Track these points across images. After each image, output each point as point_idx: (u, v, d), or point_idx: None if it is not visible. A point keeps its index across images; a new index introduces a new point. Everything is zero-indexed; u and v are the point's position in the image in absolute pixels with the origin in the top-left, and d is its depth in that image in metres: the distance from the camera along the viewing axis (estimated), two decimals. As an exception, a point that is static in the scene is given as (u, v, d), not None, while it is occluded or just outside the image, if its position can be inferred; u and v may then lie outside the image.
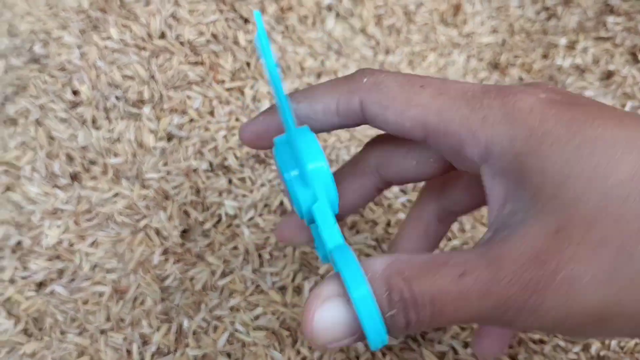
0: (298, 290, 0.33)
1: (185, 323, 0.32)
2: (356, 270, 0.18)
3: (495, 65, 0.46)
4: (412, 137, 0.21)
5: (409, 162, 0.23)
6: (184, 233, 0.36)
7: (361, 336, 0.18)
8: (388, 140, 0.24)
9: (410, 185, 0.38)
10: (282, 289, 0.33)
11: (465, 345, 0.32)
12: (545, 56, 0.46)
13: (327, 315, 0.18)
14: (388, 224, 0.36)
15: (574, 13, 0.47)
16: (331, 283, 0.19)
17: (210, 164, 0.36)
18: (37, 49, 0.39)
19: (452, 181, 0.26)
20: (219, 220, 0.35)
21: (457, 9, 0.48)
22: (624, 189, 0.17)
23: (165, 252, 0.35)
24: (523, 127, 0.18)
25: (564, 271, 0.17)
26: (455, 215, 0.27)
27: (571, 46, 0.46)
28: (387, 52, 0.45)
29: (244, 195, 0.35)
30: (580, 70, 0.44)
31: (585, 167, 0.17)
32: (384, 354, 0.32)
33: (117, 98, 0.37)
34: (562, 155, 0.17)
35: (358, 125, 0.22)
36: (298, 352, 0.31)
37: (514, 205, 0.18)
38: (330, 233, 0.20)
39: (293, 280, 0.33)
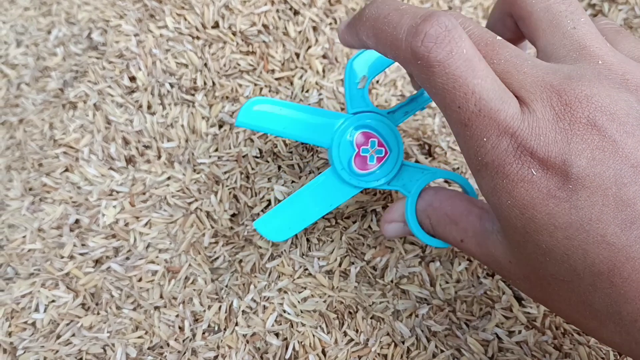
0: (345, 275, 0.34)
1: (235, 303, 0.33)
2: (413, 221, 0.30)
3: (539, 61, 0.47)
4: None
5: None
6: (233, 217, 0.37)
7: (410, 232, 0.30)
8: None
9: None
10: (330, 273, 0.34)
11: (510, 333, 0.32)
12: (590, 53, 0.46)
13: (391, 229, 0.31)
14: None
15: (621, 9, 0.47)
16: (391, 213, 0.31)
17: (260, 151, 0.37)
18: (96, 36, 0.40)
19: None
20: (268, 205, 0.36)
21: (501, 4, 0.48)
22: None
23: (215, 234, 0.36)
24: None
25: (506, 273, 0.25)
26: None
27: (617, 43, 0.45)
28: (432, 46, 0.46)
29: (292, 182, 0.36)
30: (627, 67, 0.44)
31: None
32: (428, 340, 0.32)
33: (171, 85, 0.38)
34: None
35: None
36: (345, 334, 0.32)
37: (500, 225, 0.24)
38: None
39: (340, 264, 0.34)
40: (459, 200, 0.28)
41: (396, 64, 0.34)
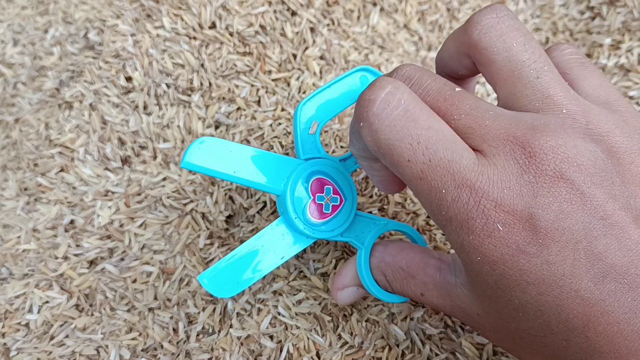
0: (340, 278, 0.34)
1: (230, 305, 0.33)
2: (367, 278, 0.29)
3: (537, 64, 0.46)
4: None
5: None
6: (229, 218, 0.36)
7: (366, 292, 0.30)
8: None
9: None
10: (324, 276, 0.34)
11: (505, 338, 0.32)
12: (589, 55, 0.46)
13: (345, 295, 0.30)
14: (429, 216, 0.36)
15: (620, 13, 0.47)
16: (342, 278, 0.30)
17: (256, 152, 0.37)
18: (92, 36, 0.40)
19: None
20: (264, 207, 0.36)
21: (500, 6, 0.48)
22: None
23: (210, 236, 0.36)
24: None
25: (474, 323, 0.25)
26: None
27: (616, 46, 0.45)
28: (430, 48, 0.45)
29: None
30: (625, 70, 0.44)
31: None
32: (423, 343, 0.32)
33: (167, 85, 0.38)
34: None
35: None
36: (339, 337, 0.32)
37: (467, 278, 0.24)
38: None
39: (335, 267, 0.34)
40: (412, 253, 0.27)
41: (349, 108, 0.33)
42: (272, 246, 0.28)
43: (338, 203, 0.29)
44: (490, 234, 0.20)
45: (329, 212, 0.29)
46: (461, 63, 0.25)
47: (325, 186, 0.29)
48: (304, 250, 0.35)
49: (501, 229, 0.20)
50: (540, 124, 0.21)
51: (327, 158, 0.29)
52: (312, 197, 0.28)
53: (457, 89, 0.23)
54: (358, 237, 0.29)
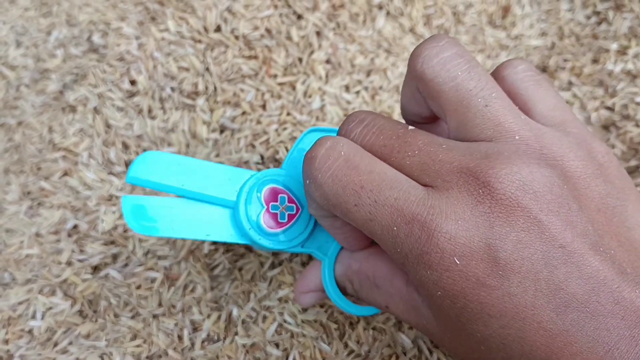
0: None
1: (235, 312, 0.33)
2: (331, 288, 0.28)
3: (543, 69, 0.46)
4: None
5: None
6: (234, 224, 0.36)
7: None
8: None
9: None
10: (331, 283, 0.34)
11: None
12: (595, 61, 0.45)
13: (308, 299, 0.30)
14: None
15: (626, 18, 0.47)
16: (305, 282, 0.29)
17: (262, 157, 0.37)
18: (96, 39, 0.40)
19: None
20: (269, 213, 0.36)
21: (506, 10, 0.48)
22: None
23: (214, 242, 0.35)
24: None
25: (439, 340, 0.24)
26: None
27: (622, 51, 0.45)
28: (435, 52, 0.45)
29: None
30: (632, 76, 0.44)
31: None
32: (430, 352, 0.32)
33: (172, 89, 0.38)
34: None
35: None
36: (346, 345, 0.32)
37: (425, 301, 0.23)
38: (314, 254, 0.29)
39: (341, 274, 0.34)
40: (380, 261, 0.26)
41: None
42: (211, 220, 0.27)
43: (294, 212, 0.28)
44: (447, 267, 0.19)
45: (284, 221, 0.28)
46: (418, 103, 0.24)
47: (280, 195, 0.28)
48: (310, 257, 0.34)
49: (458, 262, 0.19)
50: (494, 153, 0.20)
51: (282, 169, 0.29)
52: (265, 207, 0.27)
53: (411, 127, 0.23)
54: (321, 247, 0.28)
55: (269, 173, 0.28)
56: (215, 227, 0.27)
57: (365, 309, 0.28)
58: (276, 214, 0.27)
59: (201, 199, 0.27)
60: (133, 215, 0.25)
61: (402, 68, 0.43)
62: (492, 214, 0.19)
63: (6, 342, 0.32)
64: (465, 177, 0.20)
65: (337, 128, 0.26)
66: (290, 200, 0.28)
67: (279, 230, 0.27)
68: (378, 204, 0.21)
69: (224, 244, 0.35)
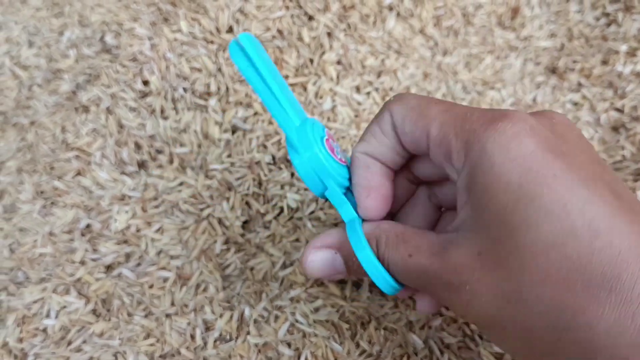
0: (357, 285, 0.34)
1: (247, 311, 0.33)
2: (361, 237, 0.25)
3: (553, 70, 0.46)
4: (420, 148, 0.25)
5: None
6: (245, 224, 0.36)
7: (345, 273, 0.28)
8: None
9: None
10: (342, 283, 0.34)
11: (524, 347, 0.32)
12: (605, 62, 0.45)
13: (317, 259, 0.27)
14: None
15: (636, 20, 0.47)
16: (324, 237, 0.27)
17: (273, 157, 0.37)
18: (109, 39, 0.40)
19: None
20: (280, 213, 0.36)
21: (515, 12, 0.48)
22: (546, 244, 0.20)
23: (226, 241, 0.36)
24: (498, 157, 0.21)
25: (469, 287, 0.22)
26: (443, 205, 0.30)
27: (632, 53, 0.45)
28: (445, 53, 0.45)
29: (305, 189, 0.36)
30: (642, 78, 0.44)
31: (529, 216, 0.20)
32: (442, 352, 0.32)
33: (184, 89, 0.38)
34: (513, 196, 0.21)
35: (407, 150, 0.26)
36: (358, 345, 0.32)
37: (467, 214, 0.23)
38: (344, 210, 0.27)
39: (353, 274, 0.34)
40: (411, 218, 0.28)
41: None
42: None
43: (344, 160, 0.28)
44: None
45: (339, 157, 0.27)
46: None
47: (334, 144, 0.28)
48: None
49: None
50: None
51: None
52: (327, 136, 0.27)
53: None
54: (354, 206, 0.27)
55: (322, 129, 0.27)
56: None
57: (387, 282, 0.26)
58: (333, 148, 0.27)
59: (279, 97, 0.25)
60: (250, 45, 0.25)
61: (412, 69, 0.43)
62: None
63: (20, 340, 0.32)
64: None
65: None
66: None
67: (335, 159, 0.27)
68: None
69: (236, 244, 0.35)
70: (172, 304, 0.34)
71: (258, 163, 0.37)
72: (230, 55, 0.25)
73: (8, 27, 0.45)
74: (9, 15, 0.46)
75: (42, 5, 0.46)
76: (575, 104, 0.44)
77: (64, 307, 0.33)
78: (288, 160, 0.37)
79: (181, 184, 0.37)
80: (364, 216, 0.26)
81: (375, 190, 0.26)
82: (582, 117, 0.43)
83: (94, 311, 0.33)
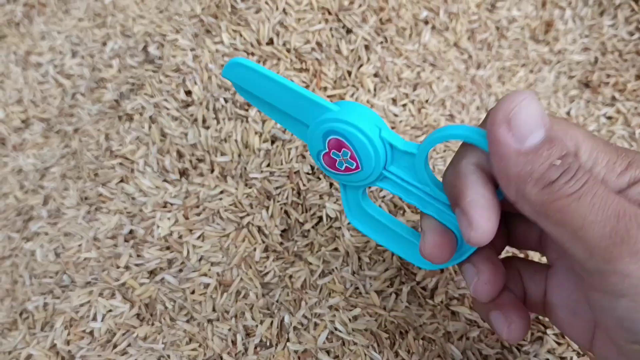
0: (396, 295, 0.34)
1: (287, 318, 0.34)
2: None
3: (586, 84, 0.46)
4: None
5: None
6: (284, 232, 0.37)
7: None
8: None
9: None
10: (381, 293, 0.34)
11: (562, 360, 0.32)
12: (639, 77, 0.46)
13: (525, 110, 0.21)
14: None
15: (669, 33, 0.47)
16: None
17: (312, 167, 0.38)
18: (152, 50, 0.41)
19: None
20: (319, 222, 0.37)
21: (549, 25, 0.48)
22: None
23: (266, 249, 0.36)
24: None
25: None
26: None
27: (667, 68, 0.45)
28: (479, 66, 0.46)
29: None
30: (678, 93, 0.44)
31: None
32: (480, 363, 0.32)
33: (225, 100, 0.39)
34: None
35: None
36: (397, 355, 0.32)
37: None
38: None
39: (391, 285, 0.34)
40: None
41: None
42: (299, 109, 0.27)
43: (353, 168, 0.27)
44: None
45: (341, 169, 0.27)
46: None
47: (344, 149, 0.26)
48: (360, 267, 0.35)
49: None
50: None
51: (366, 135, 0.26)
52: (327, 150, 0.27)
53: None
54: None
55: (346, 116, 0.25)
56: (294, 124, 0.28)
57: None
58: (335, 160, 0.27)
59: (282, 111, 0.28)
60: (231, 69, 0.28)
61: (447, 82, 0.43)
62: None
63: (67, 342, 0.33)
64: None
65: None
66: (353, 158, 0.26)
67: (334, 172, 0.28)
68: None
69: (275, 252, 0.36)
70: (214, 309, 0.34)
71: (297, 173, 0.38)
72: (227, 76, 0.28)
73: (51, 37, 0.47)
74: (52, 25, 0.48)
75: (84, 16, 0.47)
76: (610, 118, 0.44)
77: (110, 310, 0.34)
78: (327, 171, 0.38)
79: (222, 192, 0.37)
80: (476, 242, 0.23)
81: (493, 211, 0.23)
82: (616, 131, 0.43)
83: (137, 315, 0.34)
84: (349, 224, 0.36)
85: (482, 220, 0.22)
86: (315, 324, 0.33)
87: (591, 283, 0.21)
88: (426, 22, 0.44)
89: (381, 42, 0.42)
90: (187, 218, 0.37)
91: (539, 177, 0.21)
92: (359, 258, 0.35)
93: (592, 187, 0.20)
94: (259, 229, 0.37)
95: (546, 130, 0.21)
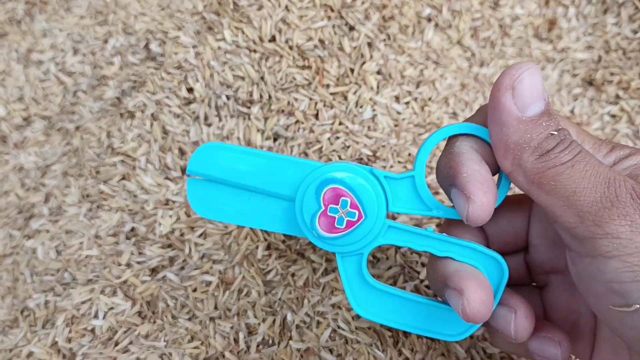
0: (399, 293, 0.34)
1: (289, 317, 0.33)
2: None
3: (590, 82, 0.46)
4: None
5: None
6: (286, 230, 0.37)
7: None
8: None
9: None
10: (384, 291, 0.34)
11: None
12: (643, 75, 0.45)
13: (529, 80, 0.22)
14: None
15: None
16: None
17: (315, 165, 0.37)
18: (154, 47, 0.41)
19: None
20: (322, 220, 0.36)
21: (552, 23, 0.48)
22: None
23: (268, 247, 0.36)
24: None
25: None
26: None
27: (671, 66, 0.45)
28: (482, 64, 0.46)
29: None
30: (682, 91, 0.44)
31: None
32: (484, 362, 0.32)
33: (227, 97, 0.39)
34: None
35: None
36: (400, 353, 0.32)
37: None
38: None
39: (395, 282, 0.34)
40: None
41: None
42: (270, 213, 0.27)
43: (355, 219, 0.25)
44: None
45: (342, 227, 0.25)
46: None
47: (342, 197, 0.25)
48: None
49: None
50: None
51: (359, 166, 0.26)
52: (323, 208, 0.25)
53: None
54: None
55: (335, 168, 0.25)
56: (274, 220, 0.27)
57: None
58: (334, 217, 0.25)
59: (261, 192, 0.26)
60: (197, 200, 0.27)
61: (450, 80, 0.43)
62: None
63: (69, 340, 0.33)
64: None
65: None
66: (353, 206, 0.25)
67: (334, 235, 0.25)
68: None
69: (277, 250, 0.36)
70: (216, 307, 0.34)
71: (299, 170, 0.37)
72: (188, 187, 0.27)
73: (53, 34, 0.47)
74: (54, 22, 0.48)
75: (86, 14, 0.47)
76: (614, 116, 0.44)
77: (111, 308, 0.33)
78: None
79: (224, 189, 0.37)
80: (475, 216, 0.23)
81: (490, 187, 0.23)
82: (620, 129, 0.43)
83: (139, 313, 0.34)
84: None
85: (479, 192, 0.22)
86: (318, 322, 0.33)
87: (580, 251, 0.21)
88: (429, 20, 0.44)
89: (384, 40, 0.42)
90: (189, 215, 0.36)
91: (536, 145, 0.22)
92: (362, 256, 0.35)
93: (584, 157, 0.21)
94: (262, 227, 0.36)
95: (546, 104, 0.22)
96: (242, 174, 0.26)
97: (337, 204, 0.25)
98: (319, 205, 0.25)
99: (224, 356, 0.32)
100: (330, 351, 0.32)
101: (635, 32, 0.48)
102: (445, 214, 0.25)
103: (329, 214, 0.25)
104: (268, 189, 0.26)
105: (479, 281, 0.23)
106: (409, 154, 0.39)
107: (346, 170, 0.25)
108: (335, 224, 0.25)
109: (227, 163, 0.26)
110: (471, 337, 0.33)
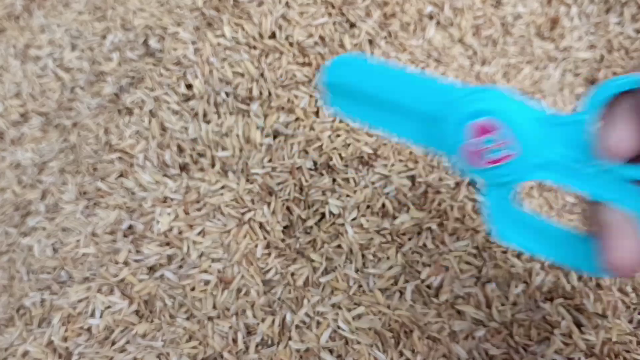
0: (401, 293, 0.34)
1: (289, 317, 0.33)
2: None
3: (592, 81, 0.46)
4: None
5: None
6: (286, 229, 0.36)
7: None
8: None
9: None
10: (385, 291, 0.34)
11: (569, 360, 0.32)
12: (646, 74, 0.45)
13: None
14: (489, 232, 0.36)
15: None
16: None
17: (315, 163, 0.37)
18: (153, 43, 0.41)
19: None
20: (322, 218, 0.36)
21: (554, 22, 0.48)
22: None
23: (267, 246, 0.36)
24: None
25: None
26: None
27: (674, 65, 0.45)
28: (484, 62, 0.45)
29: (347, 195, 0.36)
30: (685, 91, 0.43)
31: None
32: (486, 363, 0.32)
33: (227, 94, 0.38)
34: None
35: None
36: (401, 354, 0.32)
37: None
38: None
39: (396, 283, 0.34)
40: None
41: None
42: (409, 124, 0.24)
43: (507, 154, 0.22)
44: None
45: (494, 158, 0.22)
46: None
47: (496, 130, 0.22)
48: (364, 264, 0.34)
49: None
50: None
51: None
52: (472, 138, 0.23)
53: None
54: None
55: (490, 98, 0.22)
56: (414, 132, 0.25)
57: None
58: (482, 150, 0.23)
59: (402, 105, 0.24)
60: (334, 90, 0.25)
61: (452, 78, 0.43)
62: None
63: (65, 339, 0.32)
64: None
65: None
66: (507, 139, 0.22)
67: (478, 167, 0.23)
68: None
69: (277, 249, 0.35)
70: (214, 307, 0.34)
71: (299, 168, 0.37)
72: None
73: (51, 30, 0.46)
74: (52, 18, 0.47)
75: (84, 9, 0.47)
76: (616, 115, 0.44)
77: (108, 307, 0.33)
78: (329, 166, 0.37)
79: (223, 187, 0.37)
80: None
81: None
82: (623, 129, 0.43)
83: (137, 312, 0.33)
84: (352, 220, 0.36)
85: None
86: (318, 323, 0.33)
87: None
88: (431, 17, 0.44)
89: (385, 37, 0.41)
90: (187, 213, 0.36)
91: None
92: (363, 255, 0.34)
93: None
94: (261, 225, 0.36)
95: None
96: (381, 88, 0.24)
97: (490, 135, 0.22)
98: (468, 136, 0.23)
99: (222, 356, 0.32)
100: (330, 352, 0.32)
101: (637, 31, 0.47)
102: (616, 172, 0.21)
103: (479, 146, 0.23)
104: (410, 104, 0.24)
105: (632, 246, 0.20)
106: (410, 152, 0.38)
107: (504, 94, 0.22)
108: (484, 156, 0.23)
109: (364, 77, 0.24)
110: (473, 338, 0.32)
